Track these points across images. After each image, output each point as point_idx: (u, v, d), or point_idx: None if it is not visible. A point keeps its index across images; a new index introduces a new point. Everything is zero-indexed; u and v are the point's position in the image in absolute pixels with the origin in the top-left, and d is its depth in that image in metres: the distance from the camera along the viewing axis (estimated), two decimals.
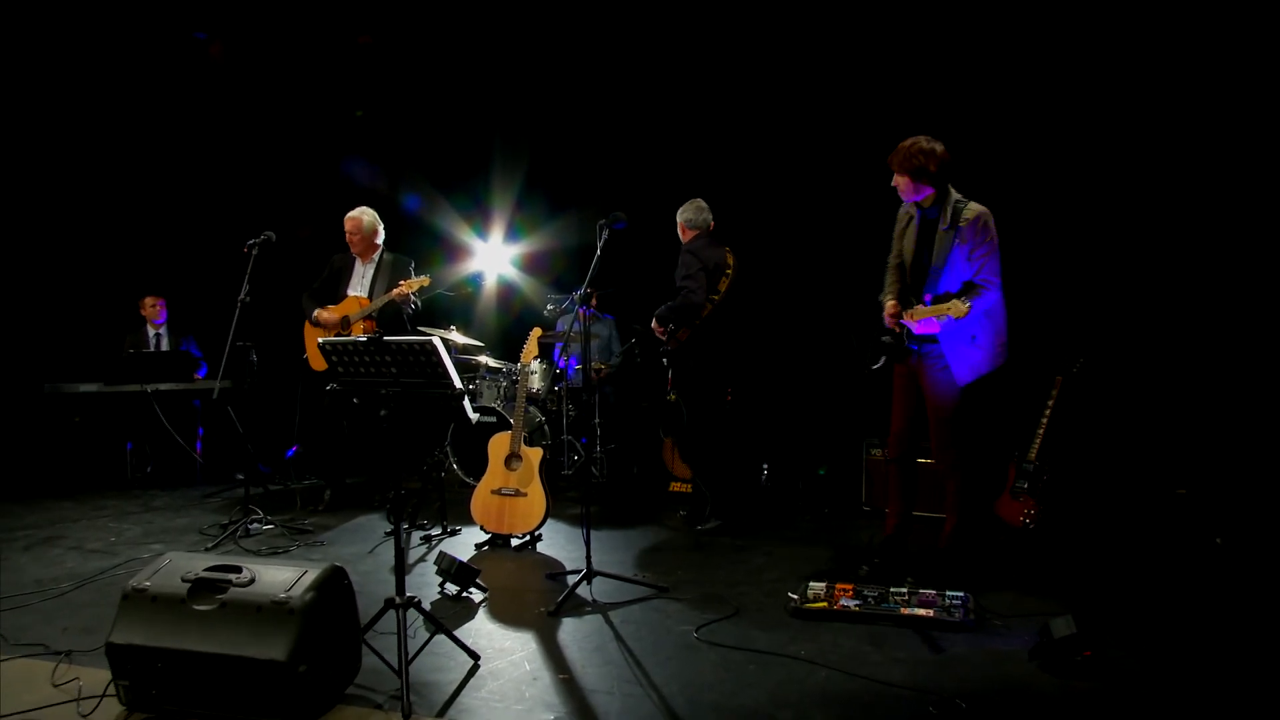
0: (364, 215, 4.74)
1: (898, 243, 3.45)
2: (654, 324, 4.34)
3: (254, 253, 4.25)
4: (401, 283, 4.48)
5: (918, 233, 3.32)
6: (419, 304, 4.74)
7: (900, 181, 3.27)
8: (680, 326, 4.28)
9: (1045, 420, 4.13)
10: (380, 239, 4.81)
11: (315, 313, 4.70)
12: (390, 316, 4.63)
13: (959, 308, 3.05)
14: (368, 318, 4.60)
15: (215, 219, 6.53)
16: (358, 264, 4.81)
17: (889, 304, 3.37)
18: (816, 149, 5.56)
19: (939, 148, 3.19)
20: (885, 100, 5.19)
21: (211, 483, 5.58)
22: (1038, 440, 4.11)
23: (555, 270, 6.67)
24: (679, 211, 4.45)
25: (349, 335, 4.58)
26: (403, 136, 6.68)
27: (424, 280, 4.50)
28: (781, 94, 5.60)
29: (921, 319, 3.19)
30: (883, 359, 3.35)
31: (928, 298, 3.23)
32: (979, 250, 3.14)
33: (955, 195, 3.23)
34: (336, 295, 4.76)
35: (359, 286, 4.75)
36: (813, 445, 5.42)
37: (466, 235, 6.83)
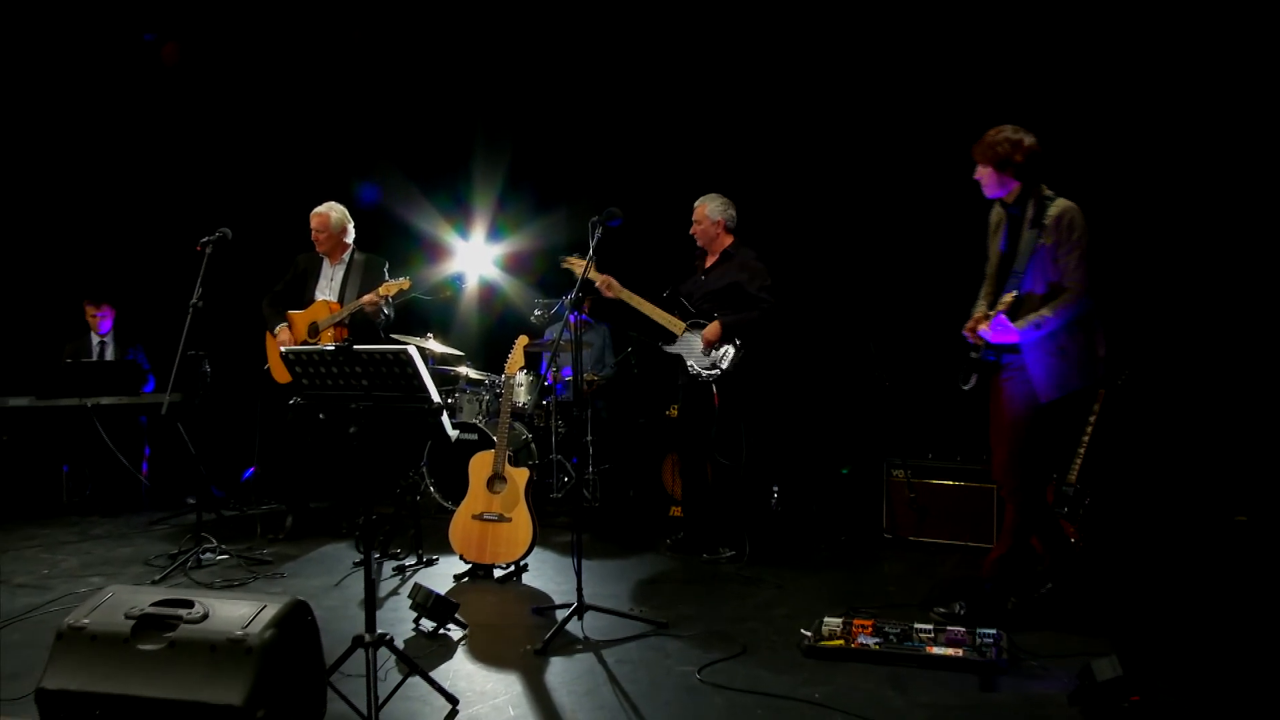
0: (331, 211, 4.74)
1: (990, 246, 3.46)
2: (716, 332, 4.23)
3: (208, 252, 4.24)
4: (380, 288, 4.47)
5: (1005, 233, 3.34)
6: (389, 314, 4.72)
7: (983, 173, 3.29)
8: (751, 342, 4.27)
9: (1086, 438, 4.13)
10: (350, 237, 4.82)
11: (277, 329, 4.69)
12: (362, 323, 4.63)
13: (1004, 300, 3.06)
14: (338, 324, 4.59)
15: (165, 214, 6.52)
16: (325, 264, 4.81)
17: (976, 314, 3.36)
18: (828, 138, 5.59)
19: (1028, 139, 3.21)
20: (908, 90, 5.24)
21: (159, 508, 5.54)
22: (1078, 460, 4.11)
23: (542, 272, 6.68)
24: (714, 209, 4.42)
25: (316, 343, 4.58)
26: (375, 125, 6.69)
27: (403, 283, 4.47)
28: (791, 75, 5.63)
29: (991, 322, 3.18)
30: (974, 377, 3.32)
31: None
32: (1065, 250, 3.15)
33: (1045, 191, 3.24)
34: (303, 299, 4.76)
35: (328, 290, 4.75)
36: (828, 466, 5.42)
37: (446, 233, 6.84)
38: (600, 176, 6.19)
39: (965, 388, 3.34)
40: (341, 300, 4.67)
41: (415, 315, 5.97)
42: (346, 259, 4.79)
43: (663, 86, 5.94)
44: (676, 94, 5.92)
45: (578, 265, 4.36)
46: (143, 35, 6.17)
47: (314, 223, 4.72)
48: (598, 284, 4.36)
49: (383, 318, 4.67)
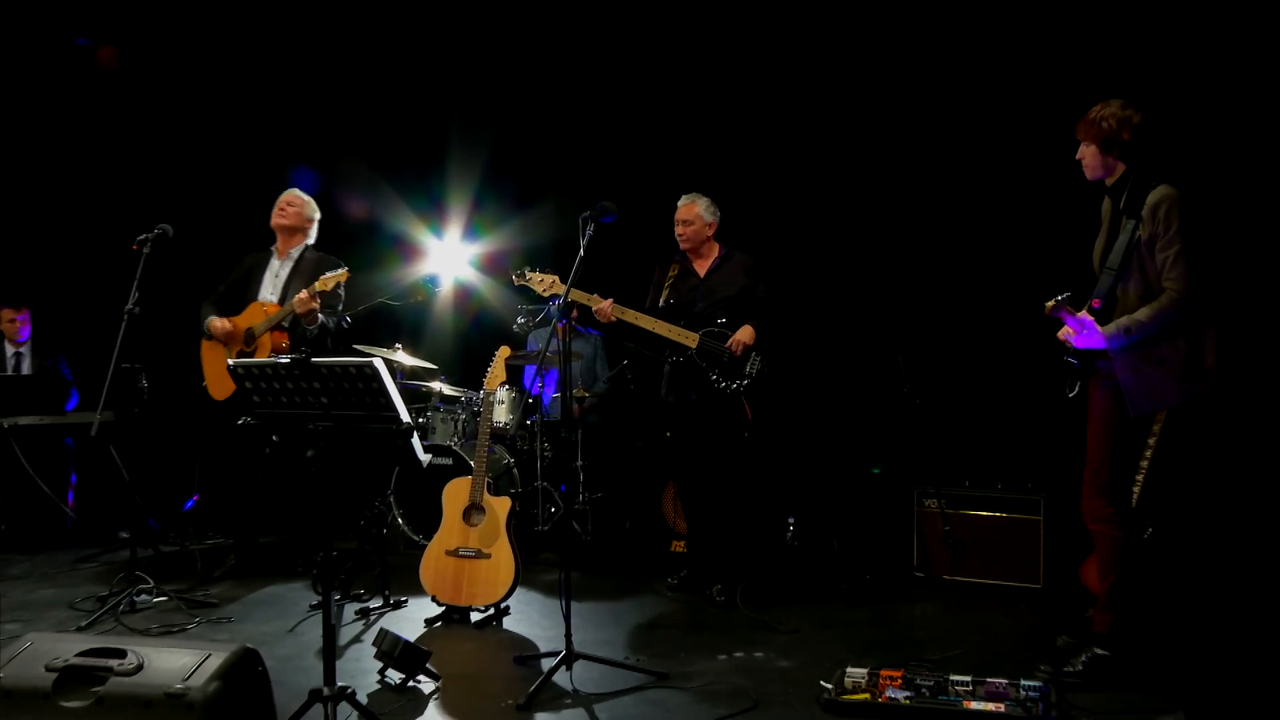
0: (306, 195, 4.85)
1: (1099, 239, 3.47)
2: (751, 335, 4.32)
3: (145, 251, 4.23)
4: (314, 284, 4.38)
5: (1109, 224, 3.35)
6: (332, 323, 4.68)
7: (1085, 153, 3.31)
8: (768, 349, 4.38)
9: (1146, 459, 4.12)
10: (312, 234, 4.85)
11: (208, 321, 4.64)
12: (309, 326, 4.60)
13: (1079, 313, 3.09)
14: (275, 329, 4.56)
15: (92, 206, 6.51)
16: (273, 261, 4.80)
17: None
18: (848, 131, 5.62)
19: (1137, 115, 3.21)
20: (939, 82, 5.29)
21: (87, 544, 5.53)
22: (1137, 486, 4.09)
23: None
24: (705, 210, 4.50)
25: (253, 352, 4.56)
26: (337, 113, 6.70)
27: (340, 274, 4.35)
28: (810, 57, 5.66)
29: (1071, 323, 3.18)
30: (1079, 384, 3.31)
31: (1095, 304, 3.22)
32: (1163, 244, 3.13)
33: (1148, 178, 3.24)
34: (245, 302, 4.74)
35: (270, 289, 4.72)
36: (850, 494, 5.41)
37: (418, 231, 6.86)
38: (589, 168, 6.22)
39: (1071, 395, 3.32)
40: (283, 302, 4.65)
41: (383, 323, 5.97)
42: (296, 254, 4.78)
43: (664, 67, 5.96)
44: (680, 77, 5.94)
45: (540, 282, 4.29)
46: (75, 39, 6.20)
47: (286, 196, 4.80)
48: (594, 310, 4.30)
49: (319, 323, 4.56)
